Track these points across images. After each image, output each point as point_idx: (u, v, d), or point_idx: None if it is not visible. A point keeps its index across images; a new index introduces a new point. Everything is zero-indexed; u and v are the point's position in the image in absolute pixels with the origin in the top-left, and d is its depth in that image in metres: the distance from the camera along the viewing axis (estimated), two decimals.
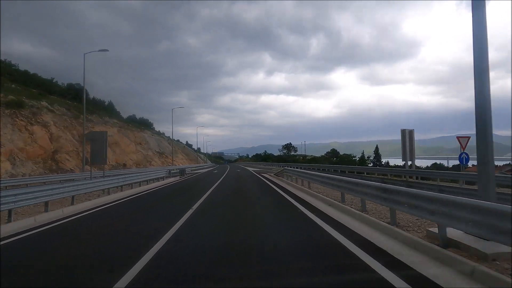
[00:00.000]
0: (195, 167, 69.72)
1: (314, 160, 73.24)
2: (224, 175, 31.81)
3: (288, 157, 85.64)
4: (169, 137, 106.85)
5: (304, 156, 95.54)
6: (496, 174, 8.20)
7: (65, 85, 64.76)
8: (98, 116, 56.61)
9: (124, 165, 43.76)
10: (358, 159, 64.49)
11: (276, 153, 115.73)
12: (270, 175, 28.69)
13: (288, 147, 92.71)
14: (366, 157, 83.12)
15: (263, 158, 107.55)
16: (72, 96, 57.35)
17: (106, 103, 71.42)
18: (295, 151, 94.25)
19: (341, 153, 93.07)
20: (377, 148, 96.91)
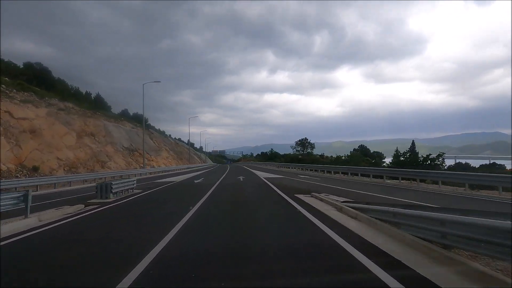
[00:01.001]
0: (181, 169, 51.33)
1: (343, 161, 53.35)
2: (206, 197, 12.63)
3: (304, 156, 66.23)
4: (169, 135, 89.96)
5: (322, 155, 76.28)
6: None
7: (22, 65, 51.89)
8: (34, 94, 38.21)
9: (36, 169, 24.40)
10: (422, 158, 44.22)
11: (282, 152, 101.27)
12: (328, 205, 9.69)
13: (303, 143, 72.59)
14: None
15: (269, 157, 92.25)
16: (29, 78, 44.59)
17: (93, 96, 61.02)
18: (312, 148, 74.38)
19: (347, 153, 75.81)
20: (413, 144, 78.68)
